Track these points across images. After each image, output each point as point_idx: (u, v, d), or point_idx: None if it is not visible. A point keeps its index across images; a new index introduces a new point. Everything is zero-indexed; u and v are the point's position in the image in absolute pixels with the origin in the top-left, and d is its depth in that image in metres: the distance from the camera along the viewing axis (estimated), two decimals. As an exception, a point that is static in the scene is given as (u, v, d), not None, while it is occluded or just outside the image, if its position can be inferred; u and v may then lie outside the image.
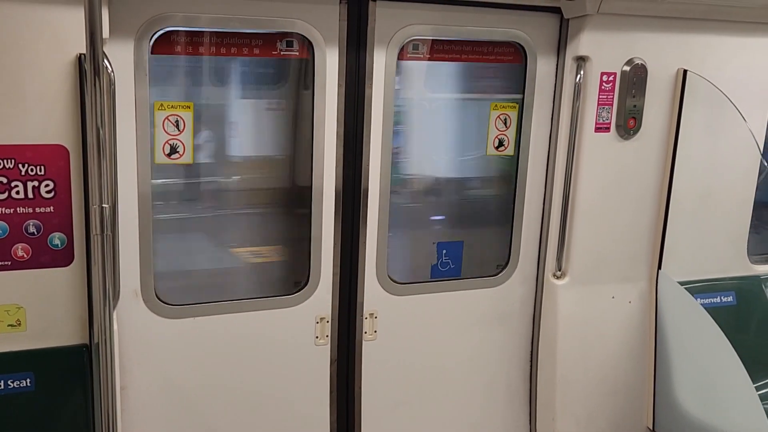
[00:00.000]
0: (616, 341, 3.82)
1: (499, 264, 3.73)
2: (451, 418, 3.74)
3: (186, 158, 3.07)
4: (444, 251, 3.61)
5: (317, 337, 3.40)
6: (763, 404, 3.40)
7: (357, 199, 3.38)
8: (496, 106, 3.56)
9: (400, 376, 3.59)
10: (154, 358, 3.15)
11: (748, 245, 4.03)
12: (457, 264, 3.63)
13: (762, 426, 3.34)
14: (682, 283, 3.80)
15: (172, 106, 3.00)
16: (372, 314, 3.47)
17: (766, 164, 3.60)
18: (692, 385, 3.74)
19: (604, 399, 3.83)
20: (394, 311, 3.52)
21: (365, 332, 3.48)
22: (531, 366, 3.84)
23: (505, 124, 3.58)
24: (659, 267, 3.83)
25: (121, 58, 2.81)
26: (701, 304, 3.75)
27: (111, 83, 2.61)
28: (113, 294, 2.78)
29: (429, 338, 3.62)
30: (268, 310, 3.30)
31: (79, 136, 2.61)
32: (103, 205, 2.28)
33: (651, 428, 3.92)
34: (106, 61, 2.51)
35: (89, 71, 2.19)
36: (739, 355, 3.46)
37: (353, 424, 3.55)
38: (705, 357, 3.68)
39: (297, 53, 3.17)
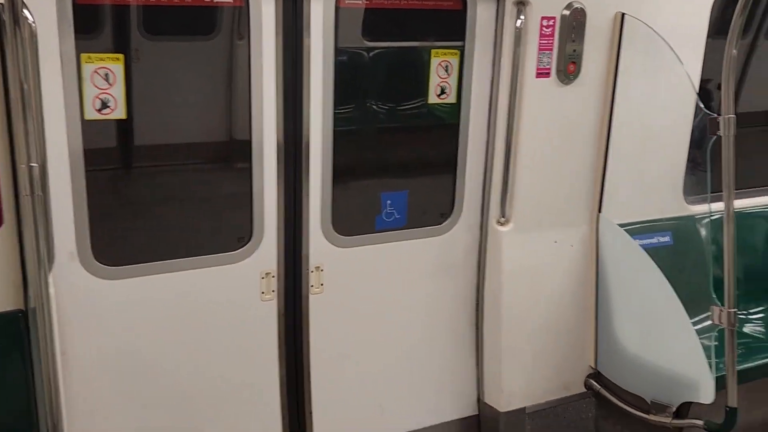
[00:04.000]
0: (559, 284, 3.89)
1: (444, 213, 3.73)
2: (399, 366, 3.77)
3: (118, 113, 2.95)
4: (388, 201, 3.59)
5: (263, 293, 3.35)
6: (699, 339, 3.53)
7: (299, 151, 3.31)
8: (437, 53, 3.51)
9: (348, 328, 3.59)
10: (94, 321, 3.06)
11: (683, 186, 4.13)
12: (402, 214, 3.62)
13: (698, 359, 3.47)
14: (621, 226, 3.88)
15: (101, 59, 2.86)
16: (318, 267, 3.44)
17: (701, 106, 3.66)
18: (632, 324, 3.86)
19: (548, 341, 3.92)
20: (340, 264, 3.50)
21: (312, 286, 3.45)
22: (477, 312, 3.89)
23: (447, 71, 3.55)
24: (599, 210, 3.89)
25: (43, 8, 2.65)
26: (640, 245, 3.84)
27: (32, 35, 2.47)
28: (47, 257, 2.69)
29: (376, 289, 3.62)
30: (212, 268, 3.24)
31: (0, 92, 2.47)
32: (32, 164, 2.18)
33: (593, 367, 4.04)
34: (25, 10, 2.37)
35: (8, 22, 2.07)
36: (676, 293, 3.57)
37: (302, 377, 3.54)
38: (644, 296, 3.79)
39: (231, 1, 3.05)
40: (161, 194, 3.30)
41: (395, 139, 3.77)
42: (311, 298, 3.47)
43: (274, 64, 3.15)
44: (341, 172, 3.44)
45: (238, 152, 3.28)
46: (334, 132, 3.36)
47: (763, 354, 3.85)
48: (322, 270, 3.46)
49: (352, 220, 3.54)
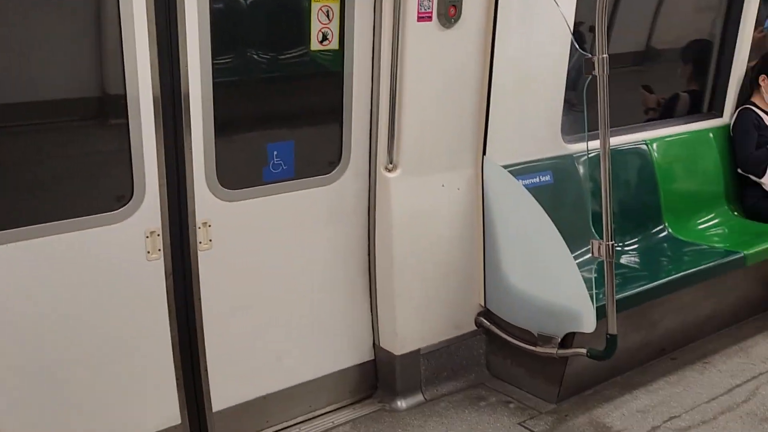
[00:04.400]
0: (447, 227, 3.96)
1: (332, 161, 3.70)
2: (295, 317, 3.75)
3: None
4: (275, 152, 3.51)
5: (149, 252, 3.24)
6: (580, 272, 3.70)
7: (178, 104, 3.17)
8: None
9: (240, 282, 3.53)
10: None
11: (562, 126, 4.26)
12: (289, 165, 3.56)
13: (580, 291, 3.64)
14: (505, 167, 3.98)
15: None
16: (205, 223, 3.35)
17: (577, 47, 3.76)
18: (518, 261, 3.99)
19: (439, 283, 4.00)
20: (228, 218, 3.42)
21: (200, 242, 3.36)
22: (369, 259, 3.91)
23: (328, 16, 3.47)
24: (484, 153, 3.97)
25: None
26: (523, 185, 3.96)
27: None
28: None
29: (266, 242, 3.57)
30: (92, 229, 3.08)
31: None
32: None
33: (483, 305, 4.17)
34: None
35: None
36: (558, 229, 3.72)
37: (195, 335, 3.47)
38: (528, 234, 3.92)
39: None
40: (31, 156, 3.09)
41: (279, 89, 3.67)
42: (200, 254, 3.38)
43: (145, 13, 2.98)
44: (224, 125, 3.33)
45: (113, 107, 3.11)
46: (214, 83, 3.24)
47: (638, 283, 4.09)
48: (209, 226, 3.37)
49: (239, 174, 3.45)
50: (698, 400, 4.01)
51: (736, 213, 5.24)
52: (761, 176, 5.09)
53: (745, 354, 4.52)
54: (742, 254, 4.51)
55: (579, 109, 3.69)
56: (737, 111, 5.30)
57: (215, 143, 3.29)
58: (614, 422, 3.81)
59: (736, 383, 4.18)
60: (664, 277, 4.21)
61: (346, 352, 3.97)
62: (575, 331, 3.74)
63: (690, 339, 4.60)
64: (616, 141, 4.47)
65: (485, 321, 4.15)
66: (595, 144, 3.54)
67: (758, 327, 4.85)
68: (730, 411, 3.91)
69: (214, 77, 3.22)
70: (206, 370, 3.50)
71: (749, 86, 5.31)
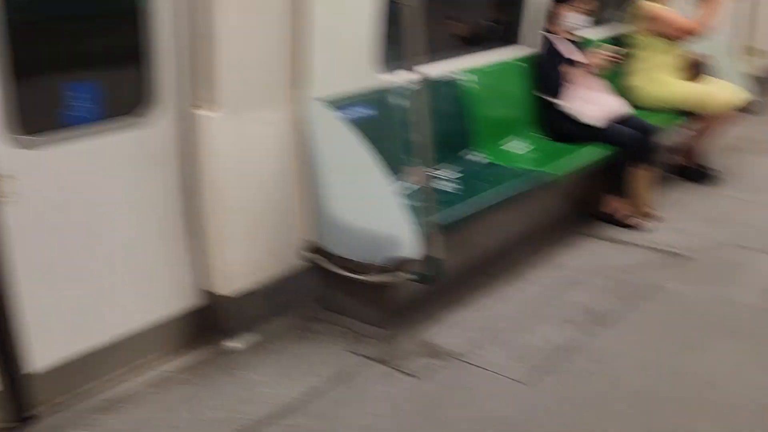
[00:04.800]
0: (271, 164, 3.92)
1: (143, 102, 3.51)
2: (114, 268, 3.59)
3: None
4: (79, 94, 3.27)
5: (-58, 210, 2.94)
6: (403, 200, 3.82)
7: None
8: None
9: (52, 235, 3.31)
10: None
11: (379, 58, 4.30)
12: (96, 107, 3.33)
13: (403, 218, 3.78)
14: (325, 100, 3.98)
15: None
16: (7, 175, 3.08)
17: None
18: (343, 194, 4.05)
19: (265, 221, 3.98)
20: (32, 168, 3.16)
21: (2, 196, 3.10)
22: (191, 202, 3.80)
23: None
24: (303, 87, 3.93)
25: None
26: (344, 118, 3.98)
27: None
28: None
29: (77, 190, 3.36)
30: None
31: None
32: None
33: (312, 240, 4.20)
34: None
35: None
36: (381, 160, 3.79)
37: (7, 296, 3.22)
38: (352, 167, 3.97)
39: None
40: None
41: (79, 27, 3.40)
42: (5, 209, 3.12)
43: None
44: (18, 66, 3.04)
45: None
46: (5, 19, 2.94)
47: (457, 207, 4.27)
48: (12, 177, 3.11)
49: (38, 119, 3.19)
50: (514, 312, 4.32)
51: (543, 136, 5.59)
52: (557, 98, 5.46)
53: (554, 266, 4.91)
54: (550, 174, 4.84)
55: (395, 40, 3.73)
56: (540, 39, 5.60)
57: (9, 86, 3.01)
58: (440, 340, 4.03)
59: (548, 292, 4.54)
60: (480, 200, 4.43)
61: (174, 299, 3.87)
62: (401, 257, 3.87)
63: (505, 256, 4.91)
64: (429, 72, 4.57)
65: (314, 255, 4.19)
66: (411, 75, 3.60)
67: (564, 240, 5.26)
68: (541, 317, 4.25)
69: (6, 13, 2.92)
70: (22, 332, 3.28)
71: (549, 14, 5.60)
